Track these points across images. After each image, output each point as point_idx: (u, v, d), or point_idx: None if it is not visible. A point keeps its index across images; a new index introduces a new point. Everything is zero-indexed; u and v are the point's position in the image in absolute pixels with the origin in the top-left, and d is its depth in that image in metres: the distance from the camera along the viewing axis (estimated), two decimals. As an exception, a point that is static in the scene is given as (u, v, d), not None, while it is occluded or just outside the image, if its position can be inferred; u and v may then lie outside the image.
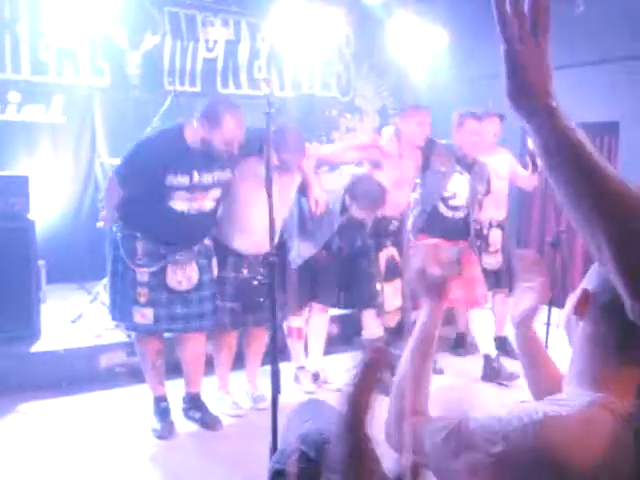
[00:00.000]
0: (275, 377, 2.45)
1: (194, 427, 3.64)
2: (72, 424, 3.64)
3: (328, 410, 1.52)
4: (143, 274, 3.41)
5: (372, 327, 4.22)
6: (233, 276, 3.68)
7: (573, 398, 1.13)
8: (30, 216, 4.30)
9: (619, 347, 1.15)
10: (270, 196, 2.60)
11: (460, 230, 4.42)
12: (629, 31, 5.40)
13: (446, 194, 4.33)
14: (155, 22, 6.02)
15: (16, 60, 5.48)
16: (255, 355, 3.97)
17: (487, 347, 4.47)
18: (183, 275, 3.45)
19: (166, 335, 3.70)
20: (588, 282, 1.24)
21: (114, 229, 3.53)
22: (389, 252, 4.32)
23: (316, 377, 4.21)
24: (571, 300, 1.27)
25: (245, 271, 3.67)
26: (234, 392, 3.94)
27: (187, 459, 3.31)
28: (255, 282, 3.43)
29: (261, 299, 3.43)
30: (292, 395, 3.34)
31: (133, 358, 4.02)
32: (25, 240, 4.23)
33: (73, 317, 4.67)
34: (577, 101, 5.36)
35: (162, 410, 3.62)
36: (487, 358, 4.43)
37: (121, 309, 3.51)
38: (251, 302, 3.64)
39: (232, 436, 3.58)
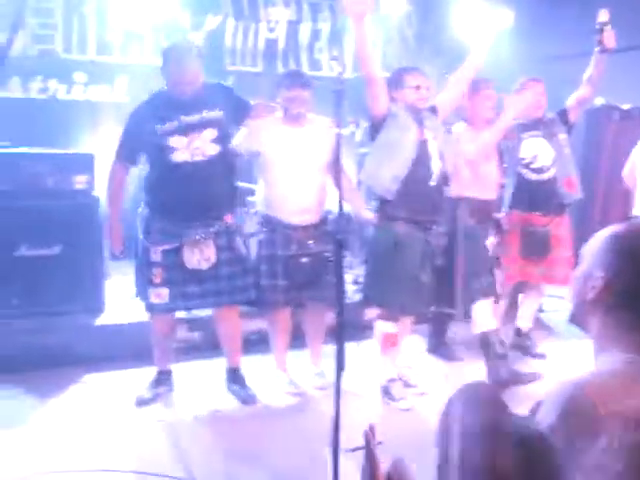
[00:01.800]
0: (340, 355, 2.43)
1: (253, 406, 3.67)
2: (132, 396, 3.70)
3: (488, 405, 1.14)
4: (157, 253, 3.43)
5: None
6: (281, 254, 3.62)
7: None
8: (95, 193, 4.38)
9: None
10: (338, 172, 2.59)
11: (550, 197, 4.26)
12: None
13: (525, 161, 4.29)
14: (217, 3, 6.05)
15: (82, 41, 5.58)
16: (314, 333, 3.95)
17: (522, 321, 4.59)
18: (201, 256, 3.44)
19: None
20: (597, 267, 1.20)
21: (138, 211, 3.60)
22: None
23: (407, 384, 3.90)
24: (576, 287, 1.26)
25: (294, 248, 3.63)
26: (292, 371, 3.95)
27: (244, 438, 3.32)
28: (304, 259, 3.52)
29: (327, 275, 3.41)
30: (355, 377, 3.29)
31: (194, 333, 4.08)
32: (90, 217, 4.31)
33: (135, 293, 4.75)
34: (633, 85, 5.21)
35: (154, 381, 3.73)
36: (518, 331, 4.58)
37: (140, 289, 3.59)
38: (304, 279, 3.62)
39: (290, 415, 3.59)
